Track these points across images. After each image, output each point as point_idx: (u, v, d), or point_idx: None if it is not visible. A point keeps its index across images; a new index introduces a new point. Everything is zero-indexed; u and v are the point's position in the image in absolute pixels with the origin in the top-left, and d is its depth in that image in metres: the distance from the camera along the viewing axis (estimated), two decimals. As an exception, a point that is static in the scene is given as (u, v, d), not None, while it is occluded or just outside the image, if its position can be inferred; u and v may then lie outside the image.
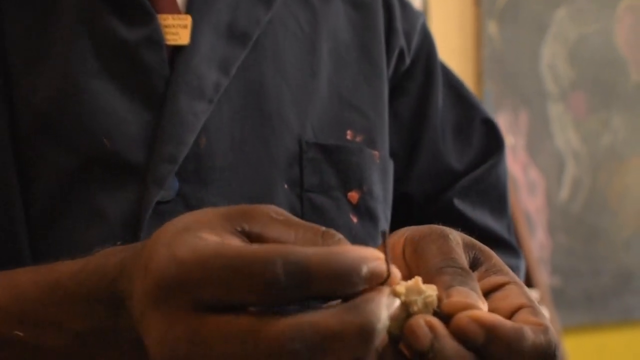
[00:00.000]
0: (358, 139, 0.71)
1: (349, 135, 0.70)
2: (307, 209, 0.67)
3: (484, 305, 0.47)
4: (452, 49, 2.67)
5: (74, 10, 0.63)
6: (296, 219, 0.47)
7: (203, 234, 0.44)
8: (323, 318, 0.41)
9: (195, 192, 0.63)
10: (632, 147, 3.13)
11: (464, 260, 0.50)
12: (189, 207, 0.62)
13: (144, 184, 0.61)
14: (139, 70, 0.63)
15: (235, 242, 0.43)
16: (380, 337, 0.43)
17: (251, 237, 0.45)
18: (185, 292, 0.43)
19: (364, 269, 0.42)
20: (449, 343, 0.45)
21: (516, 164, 2.83)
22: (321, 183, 0.67)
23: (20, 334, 0.51)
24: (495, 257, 0.54)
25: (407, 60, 0.79)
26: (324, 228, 0.46)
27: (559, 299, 2.79)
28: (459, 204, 0.80)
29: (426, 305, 0.46)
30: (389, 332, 0.45)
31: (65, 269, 0.51)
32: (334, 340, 0.41)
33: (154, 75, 0.63)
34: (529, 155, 2.92)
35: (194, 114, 0.63)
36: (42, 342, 0.51)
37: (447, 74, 0.83)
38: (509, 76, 2.88)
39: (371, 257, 0.43)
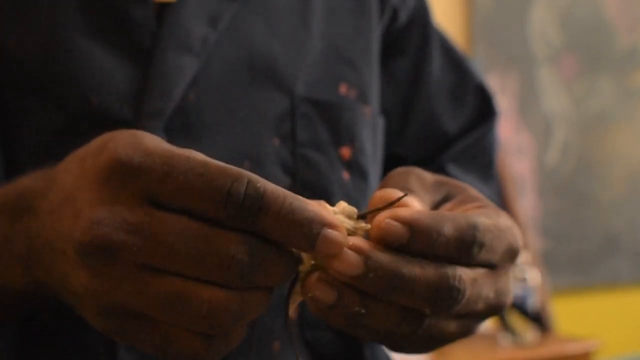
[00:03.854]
0: (351, 93, 0.70)
1: (342, 89, 0.70)
2: (300, 164, 0.66)
3: (413, 201, 0.49)
4: (442, 13, 2.65)
5: None
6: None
7: (160, 140, 0.45)
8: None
9: (184, 147, 0.62)
10: (620, 111, 3.13)
11: (418, 188, 0.52)
12: None
13: None
14: (126, 26, 0.63)
15: (200, 154, 0.44)
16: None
17: None
18: (144, 181, 0.42)
19: (317, 228, 0.43)
20: (382, 256, 0.45)
21: (505, 127, 2.83)
22: (313, 138, 0.67)
23: None
24: (469, 190, 0.55)
25: (401, 18, 0.78)
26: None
27: (548, 262, 2.81)
28: (451, 168, 0.80)
29: (348, 215, 0.47)
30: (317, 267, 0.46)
31: None
32: (279, 255, 0.43)
33: (140, 30, 0.63)
34: (518, 118, 2.92)
35: (180, 69, 0.62)
36: None
37: (443, 39, 0.83)
38: (499, 40, 2.87)
39: (331, 224, 0.44)
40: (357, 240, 0.45)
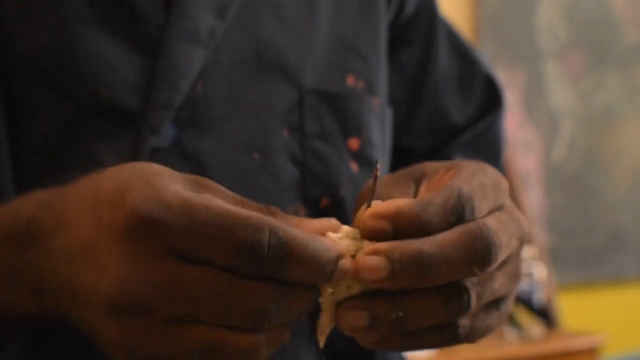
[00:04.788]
0: (359, 84, 0.70)
1: (350, 80, 0.70)
2: (308, 156, 0.66)
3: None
4: (449, 8, 2.65)
5: None
6: (240, 197, 0.48)
7: (176, 184, 0.44)
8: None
9: (192, 140, 0.62)
10: (627, 106, 3.12)
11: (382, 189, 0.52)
12: (185, 154, 0.61)
13: (139, 131, 0.61)
14: (134, 17, 0.63)
15: (220, 202, 0.44)
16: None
17: None
18: (165, 235, 0.42)
19: (334, 264, 0.44)
20: (399, 244, 0.45)
21: (512, 122, 2.83)
22: (321, 130, 0.67)
23: None
24: (431, 164, 0.56)
25: (408, 9, 0.78)
26: (268, 206, 0.48)
27: (554, 257, 2.81)
28: (457, 158, 0.80)
29: (353, 237, 0.47)
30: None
31: None
32: (302, 294, 0.45)
33: (148, 22, 0.63)
34: (525, 114, 2.92)
35: (189, 60, 0.62)
36: None
37: (450, 29, 0.83)
38: (505, 35, 2.87)
39: (341, 254, 0.45)
40: (372, 245, 0.45)
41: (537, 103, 2.93)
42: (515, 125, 2.86)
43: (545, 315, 2.35)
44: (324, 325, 0.48)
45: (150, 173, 0.45)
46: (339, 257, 0.45)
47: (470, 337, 0.50)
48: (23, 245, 0.49)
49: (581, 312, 2.87)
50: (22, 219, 0.50)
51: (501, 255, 0.48)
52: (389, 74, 0.76)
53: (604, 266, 3.04)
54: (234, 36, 0.65)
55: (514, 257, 0.52)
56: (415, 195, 0.54)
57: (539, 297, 2.32)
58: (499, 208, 0.51)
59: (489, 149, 0.83)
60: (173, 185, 0.44)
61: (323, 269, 0.44)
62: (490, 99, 0.84)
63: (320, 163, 0.66)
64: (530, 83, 2.92)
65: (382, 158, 0.72)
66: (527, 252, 2.30)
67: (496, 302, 0.51)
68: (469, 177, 0.49)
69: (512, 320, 2.29)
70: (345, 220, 0.65)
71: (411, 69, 0.80)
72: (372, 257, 0.45)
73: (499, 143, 0.84)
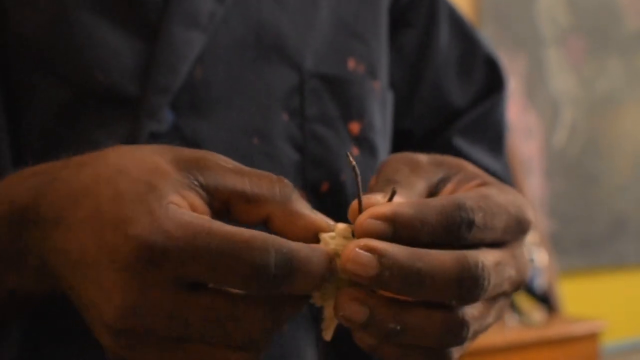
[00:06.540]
0: (360, 68, 0.70)
1: (350, 63, 0.69)
2: (309, 140, 0.66)
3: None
4: (449, -8, 2.64)
5: None
6: (246, 167, 0.48)
7: (172, 197, 0.44)
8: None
9: (191, 124, 0.62)
10: (628, 92, 3.12)
11: (406, 176, 0.51)
12: (185, 139, 0.61)
13: (137, 116, 0.60)
14: (132, 0, 0.62)
15: (220, 224, 0.43)
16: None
17: (208, 190, 0.46)
18: (169, 266, 0.42)
19: (326, 272, 0.45)
20: (396, 251, 0.45)
21: (513, 108, 2.82)
22: (322, 114, 0.67)
23: None
24: (468, 167, 0.54)
25: None
26: (275, 176, 0.48)
27: (555, 243, 2.81)
28: (458, 141, 0.79)
29: (345, 236, 0.47)
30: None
31: None
32: (294, 304, 0.46)
33: (147, 5, 0.62)
34: (526, 100, 2.91)
35: (187, 43, 0.61)
36: None
37: (452, 10, 0.82)
38: (506, 21, 2.86)
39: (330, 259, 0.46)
40: (369, 241, 0.45)
41: (538, 89, 2.92)
42: (516, 111, 2.85)
43: (546, 300, 2.35)
44: (329, 320, 0.48)
45: (147, 186, 0.44)
46: (330, 262, 0.45)
47: None
48: (24, 226, 0.49)
49: (582, 297, 2.87)
50: (18, 202, 0.49)
51: (486, 295, 0.47)
52: (390, 57, 0.76)
53: (605, 252, 3.04)
54: (233, 19, 0.65)
55: (503, 299, 0.51)
56: (434, 188, 0.53)
57: (540, 282, 2.32)
58: (507, 244, 0.50)
59: (490, 132, 0.82)
60: (172, 207, 0.44)
61: (319, 278, 0.45)
62: (492, 81, 0.83)
63: (321, 147, 0.66)
64: (532, 69, 2.91)
65: (383, 142, 0.72)
66: (528, 237, 2.30)
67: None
68: (484, 195, 0.49)
69: (513, 306, 2.29)
70: (345, 205, 0.65)
71: (411, 50, 0.79)
72: (365, 254, 0.44)
73: (500, 126, 0.83)
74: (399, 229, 0.45)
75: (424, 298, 0.45)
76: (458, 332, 0.46)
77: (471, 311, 0.47)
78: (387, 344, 0.47)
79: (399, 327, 0.45)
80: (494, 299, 0.50)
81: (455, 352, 0.49)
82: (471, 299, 0.46)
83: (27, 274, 0.50)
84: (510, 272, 0.49)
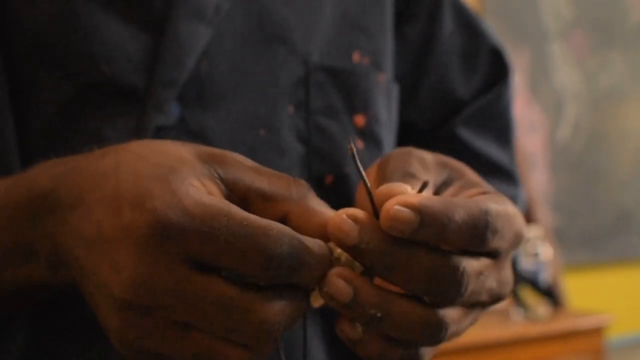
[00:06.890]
0: (365, 61, 0.70)
1: (355, 56, 0.69)
2: (313, 132, 0.66)
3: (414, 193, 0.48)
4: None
5: None
6: (264, 168, 0.49)
7: (193, 181, 0.45)
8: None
9: (197, 117, 0.62)
10: (632, 87, 3.11)
11: (419, 171, 0.51)
12: (191, 132, 0.61)
13: (144, 109, 0.60)
14: None
15: (238, 209, 0.44)
16: None
17: (227, 184, 0.47)
18: (183, 243, 0.43)
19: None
20: (376, 230, 0.45)
21: (517, 103, 2.82)
22: (327, 106, 0.67)
23: None
24: (468, 174, 0.55)
25: None
26: (292, 177, 0.48)
27: (559, 237, 2.80)
28: (462, 132, 0.79)
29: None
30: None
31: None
32: (300, 301, 0.46)
33: None
34: (530, 94, 2.91)
35: (193, 37, 0.61)
36: None
37: (456, 0, 0.82)
38: (510, 15, 2.86)
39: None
40: (354, 211, 0.45)
41: (542, 83, 2.92)
42: (520, 106, 2.85)
43: (550, 295, 2.35)
44: (315, 298, 0.48)
45: (169, 168, 0.45)
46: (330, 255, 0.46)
47: None
48: (40, 213, 0.49)
49: (587, 292, 2.87)
50: (38, 189, 0.50)
51: (463, 300, 0.47)
52: (395, 49, 0.76)
53: (610, 246, 3.03)
54: (239, 12, 0.65)
55: (479, 309, 0.52)
56: (437, 189, 0.53)
57: (544, 277, 2.32)
58: (499, 255, 0.50)
59: (496, 122, 0.81)
60: (192, 188, 0.44)
61: (324, 270, 0.45)
62: (497, 72, 0.82)
63: (325, 140, 0.66)
64: (535, 63, 2.91)
65: (388, 135, 0.72)
66: (533, 232, 2.30)
67: None
68: (498, 201, 0.49)
69: (518, 300, 2.29)
70: (350, 198, 0.65)
71: (416, 41, 0.78)
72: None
73: (506, 117, 0.82)
74: (425, 221, 0.44)
75: (399, 286, 0.46)
76: (436, 330, 0.47)
77: (451, 313, 0.48)
78: (369, 337, 0.47)
79: (379, 314, 0.46)
80: (471, 306, 0.50)
81: (429, 353, 0.49)
82: (446, 300, 0.47)
83: (37, 265, 0.50)
84: (492, 284, 0.50)
